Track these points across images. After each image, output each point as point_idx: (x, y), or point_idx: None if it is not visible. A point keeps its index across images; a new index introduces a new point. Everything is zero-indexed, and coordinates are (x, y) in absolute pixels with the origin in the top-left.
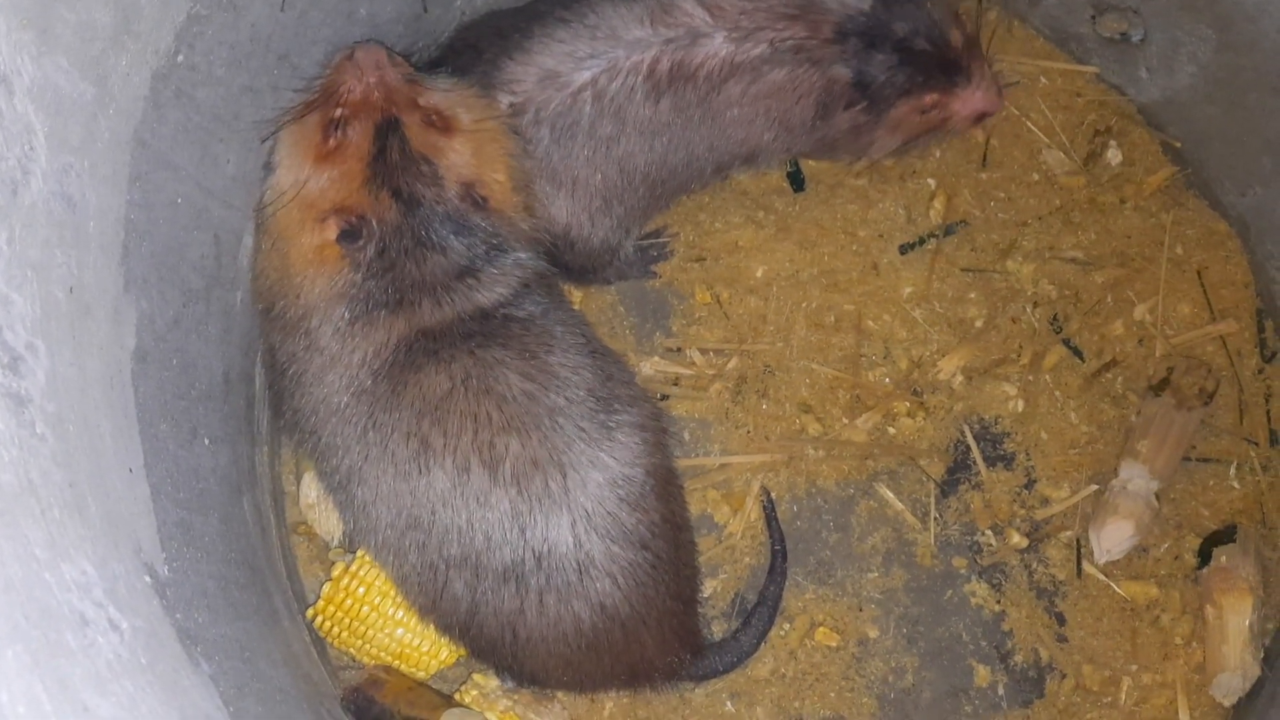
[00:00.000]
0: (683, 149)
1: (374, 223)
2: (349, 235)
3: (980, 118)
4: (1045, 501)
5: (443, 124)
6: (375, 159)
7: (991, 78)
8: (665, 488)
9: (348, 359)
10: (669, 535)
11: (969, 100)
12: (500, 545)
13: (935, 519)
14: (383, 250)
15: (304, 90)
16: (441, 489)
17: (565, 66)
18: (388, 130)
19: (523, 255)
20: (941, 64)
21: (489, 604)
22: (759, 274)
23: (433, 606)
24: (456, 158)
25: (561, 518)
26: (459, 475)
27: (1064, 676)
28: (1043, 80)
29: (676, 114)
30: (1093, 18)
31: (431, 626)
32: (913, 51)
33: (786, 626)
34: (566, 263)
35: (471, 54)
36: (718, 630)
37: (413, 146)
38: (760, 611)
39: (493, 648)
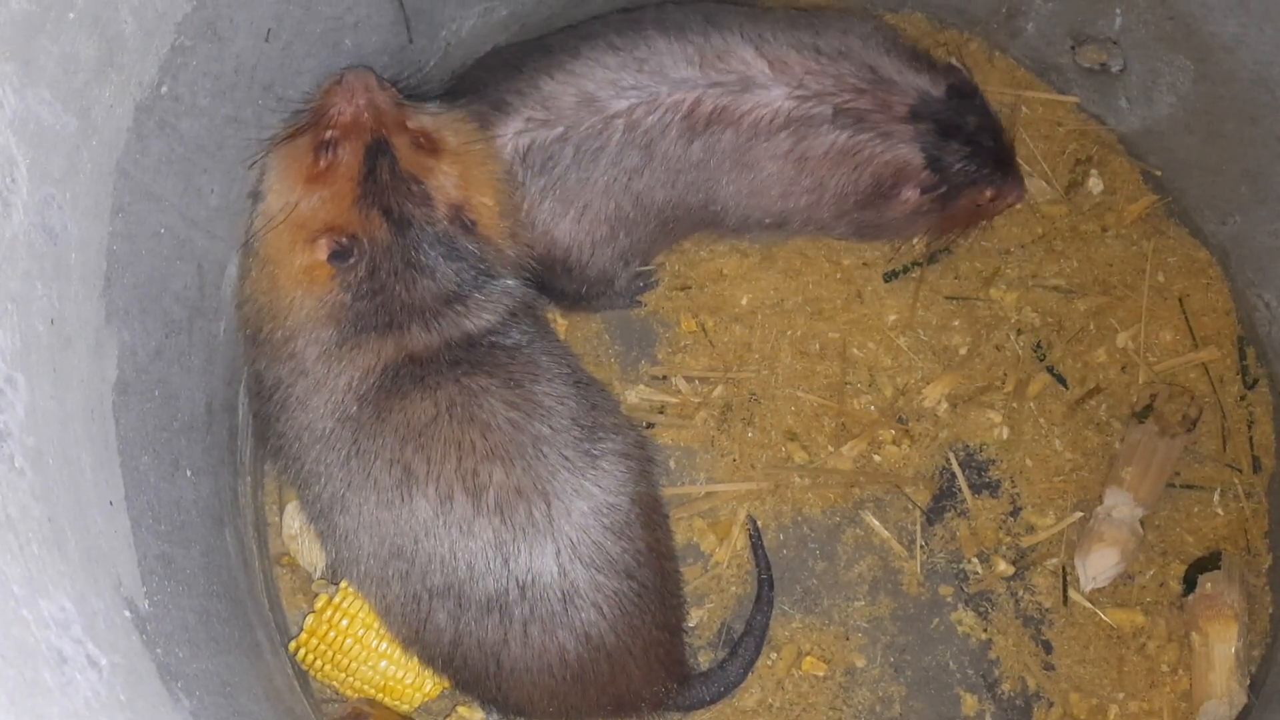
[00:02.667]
0: (703, 192)
1: (365, 242)
2: (340, 255)
3: (1008, 208)
4: (1031, 529)
5: (430, 146)
6: (366, 178)
7: (1021, 173)
8: (650, 516)
9: (333, 383)
10: (654, 564)
11: (1009, 195)
12: (484, 575)
13: (921, 547)
14: (373, 271)
15: (292, 115)
16: (424, 517)
17: (605, 93)
18: (377, 151)
19: (510, 282)
20: (998, 160)
21: (473, 634)
22: (744, 302)
23: (416, 638)
24: (445, 179)
25: (545, 547)
26: (442, 504)
27: (1051, 705)
28: (1024, 110)
29: (707, 157)
30: (1073, 48)
31: (415, 658)
32: (980, 145)
33: (774, 656)
34: (559, 288)
35: (509, 70)
36: (704, 660)
37: (402, 167)
38: (747, 641)
39: (476, 680)
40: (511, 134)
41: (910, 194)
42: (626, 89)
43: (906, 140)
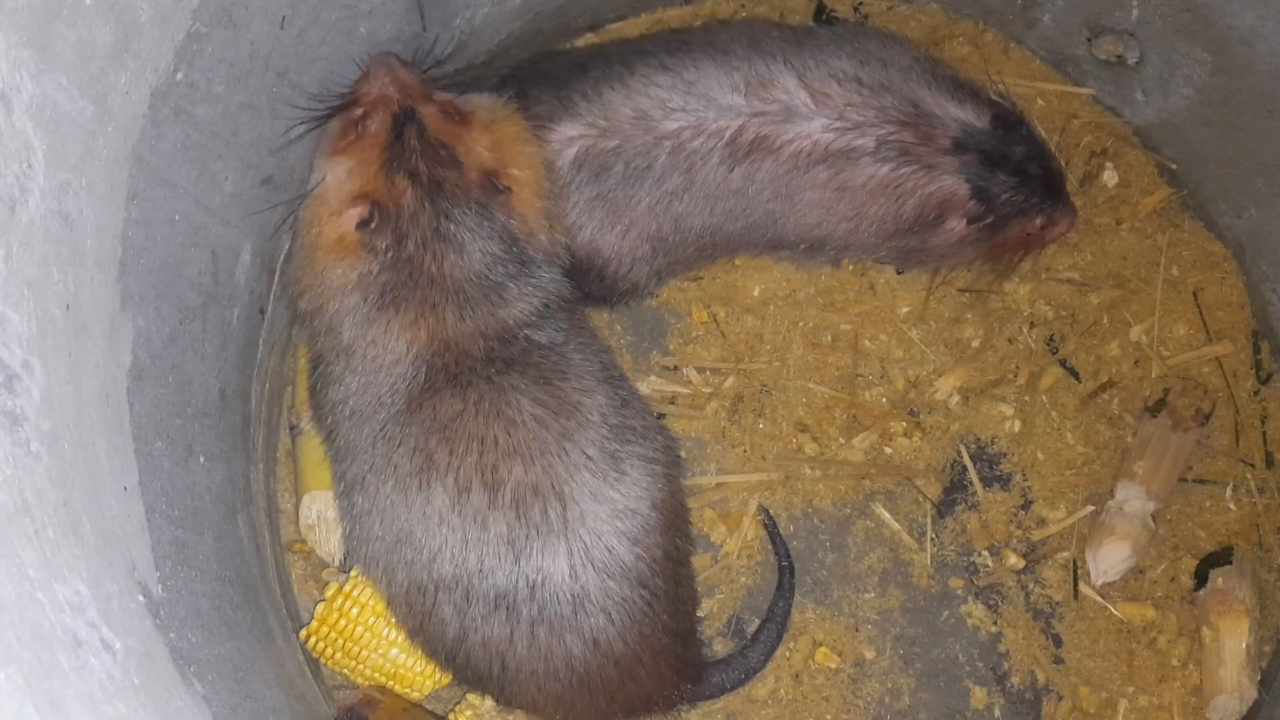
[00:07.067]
0: (743, 219)
1: (390, 207)
2: (365, 222)
3: (1060, 236)
4: (1042, 522)
5: (460, 117)
6: (391, 145)
7: (1071, 201)
8: (671, 522)
9: (367, 365)
10: (670, 572)
11: (1061, 224)
12: (493, 569)
13: (932, 539)
14: (400, 239)
15: (322, 107)
16: (440, 506)
17: (656, 112)
18: (405, 120)
19: (547, 275)
20: (1047, 189)
21: (478, 631)
22: (756, 293)
23: (420, 629)
24: (476, 145)
25: (558, 547)
26: (459, 495)
27: (1061, 698)
28: (1039, 102)
29: (746, 185)
30: (1089, 40)
31: (420, 649)
32: (1028, 175)
33: (791, 646)
34: (587, 289)
35: (575, 69)
36: (716, 649)
37: (430, 133)
38: (769, 628)
39: (480, 679)
40: (574, 134)
41: (956, 224)
42: (675, 110)
43: (951, 172)
